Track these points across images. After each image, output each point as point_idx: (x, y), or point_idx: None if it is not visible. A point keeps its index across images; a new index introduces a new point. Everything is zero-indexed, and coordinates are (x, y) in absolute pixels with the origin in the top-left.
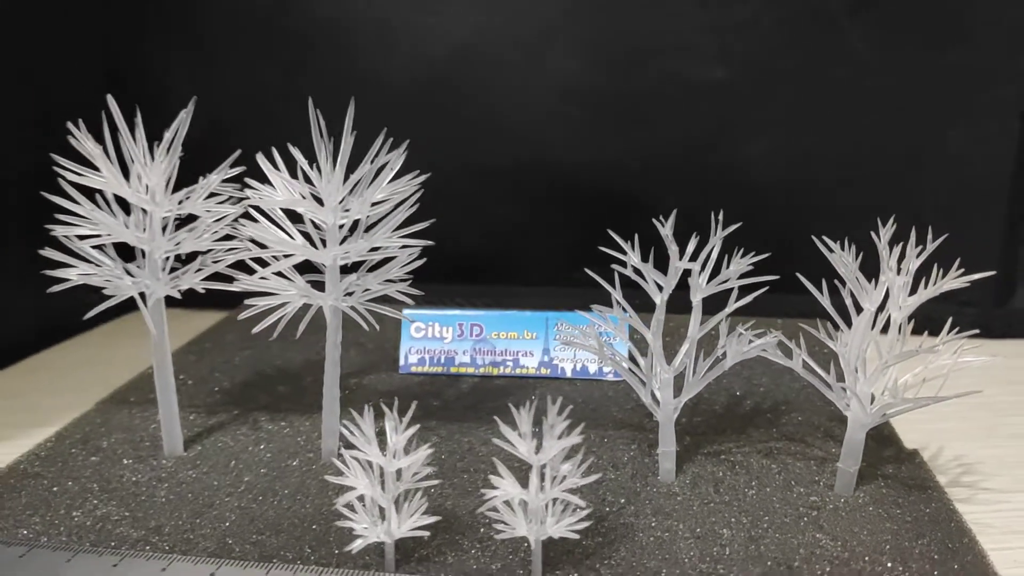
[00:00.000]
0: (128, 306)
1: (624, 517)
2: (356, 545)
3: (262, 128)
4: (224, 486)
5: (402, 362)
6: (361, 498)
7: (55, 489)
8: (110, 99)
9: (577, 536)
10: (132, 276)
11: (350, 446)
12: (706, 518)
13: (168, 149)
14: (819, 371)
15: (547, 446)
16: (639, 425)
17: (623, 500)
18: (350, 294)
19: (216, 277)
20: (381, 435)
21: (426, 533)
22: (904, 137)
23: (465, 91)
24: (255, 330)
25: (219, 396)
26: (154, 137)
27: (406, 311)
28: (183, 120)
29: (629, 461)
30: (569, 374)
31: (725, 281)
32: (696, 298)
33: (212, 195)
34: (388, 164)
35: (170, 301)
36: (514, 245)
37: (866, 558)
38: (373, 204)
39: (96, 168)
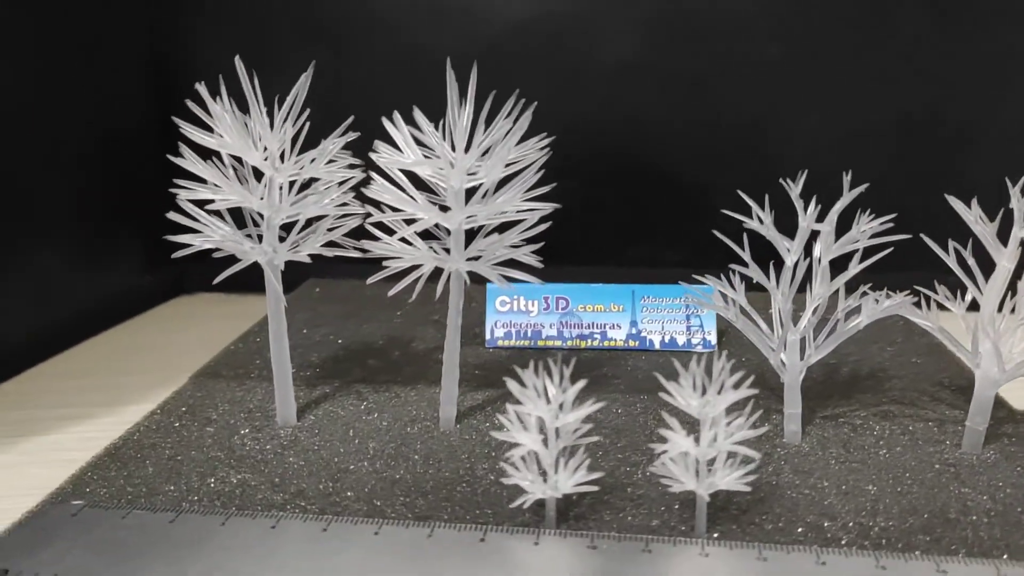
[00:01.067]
0: (171, 292)
1: (766, 476)
2: (524, 500)
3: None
4: (351, 452)
5: (488, 336)
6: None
7: (179, 458)
8: (238, 60)
9: (748, 488)
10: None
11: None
12: (847, 476)
13: (288, 114)
14: (951, 334)
15: (714, 400)
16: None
17: (759, 462)
18: (475, 259)
19: (332, 244)
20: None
21: (595, 488)
22: (956, 112)
23: (522, 66)
24: (391, 292)
25: (312, 371)
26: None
27: (489, 284)
28: (303, 84)
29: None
30: (658, 346)
31: (856, 241)
32: (825, 259)
33: (330, 161)
34: (515, 127)
35: (212, 287)
36: (568, 222)
37: (1019, 509)
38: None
39: (213, 131)
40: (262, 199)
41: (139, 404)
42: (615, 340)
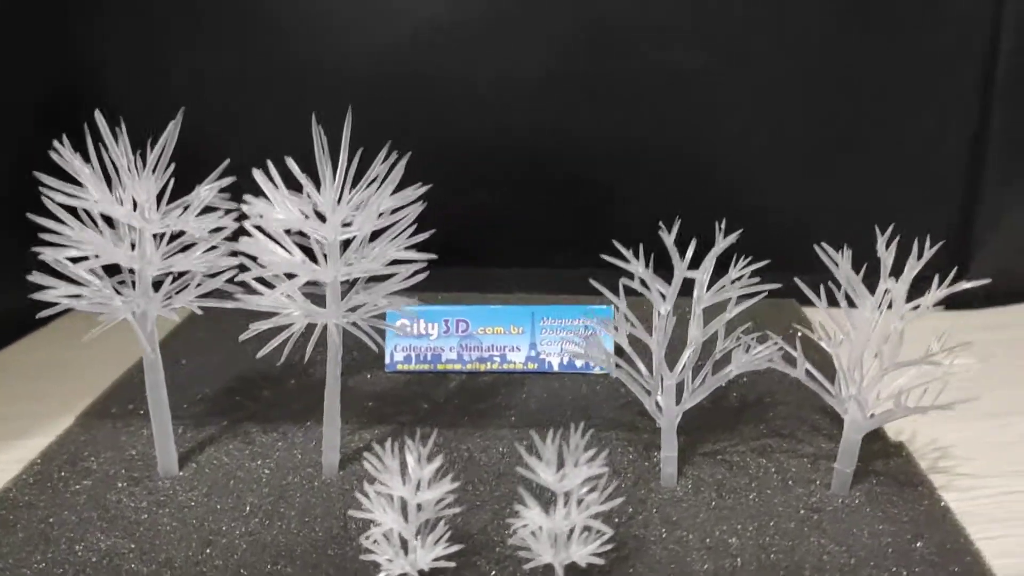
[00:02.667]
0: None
1: (635, 528)
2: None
3: (241, 129)
4: (227, 509)
5: (388, 360)
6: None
7: (51, 520)
8: (98, 114)
9: (602, 562)
10: (122, 295)
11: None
12: (714, 526)
13: (156, 163)
14: (819, 378)
15: (571, 474)
16: (632, 424)
17: (630, 509)
18: (353, 309)
19: (213, 293)
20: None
21: (452, 564)
22: (867, 121)
23: (439, 75)
24: (260, 354)
25: (204, 405)
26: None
27: (389, 310)
28: (171, 132)
29: (629, 465)
30: (556, 368)
31: (726, 287)
32: (698, 308)
33: (207, 209)
34: (389, 176)
35: None
36: (491, 229)
37: (871, 563)
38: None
39: (81, 184)
40: (135, 248)
41: (24, 445)
42: (514, 363)
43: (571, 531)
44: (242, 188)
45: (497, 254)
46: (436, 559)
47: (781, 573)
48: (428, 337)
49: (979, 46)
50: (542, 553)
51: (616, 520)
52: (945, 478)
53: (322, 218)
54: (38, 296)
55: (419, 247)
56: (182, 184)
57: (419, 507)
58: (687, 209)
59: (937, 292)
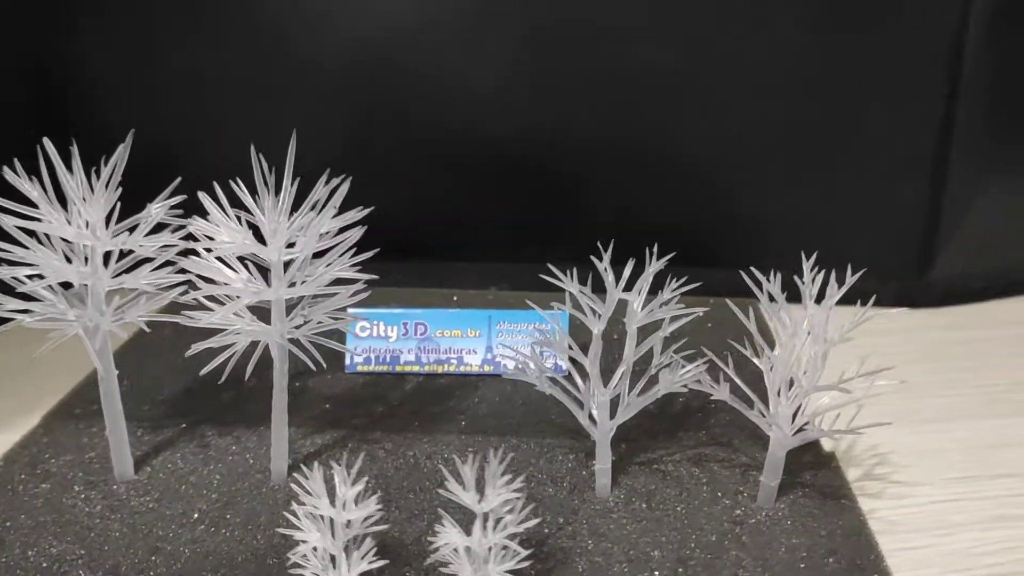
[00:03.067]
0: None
1: (562, 539)
2: None
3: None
4: (176, 515)
5: (348, 362)
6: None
7: (8, 524)
8: (46, 140)
9: None
10: (75, 310)
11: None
12: (638, 539)
13: (107, 183)
14: (750, 394)
15: (489, 495)
16: (576, 431)
17: (561, 519)
18: (298, 326)
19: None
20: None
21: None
22: (830, 119)
23: (407, 68)
24: (203, 372)
25: (163, 407)
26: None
27: (351, 310)
28: (121, 154)
29: (567, 474)
30: (511, 371)
31: (654, 311)
32: (632, 327)
33: (158, 225)
34: (331, 201)
35: None
36: (454, 223)
37: None
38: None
39: (35, 205)
40: (87, 263)
41: None
42: (471, 365)
43: (490, 549)
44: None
45: (463, 249)
46: (362, 574)
47: None
48: (387, 339)
49: (945, 43)
50: (461, 571)
51: (546, 531)
52: (879, 486)
53: (264, 241)
54: None
55: (365, 265)
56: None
57: (347, 523)
58: (653, 203)
59: (858, 317)
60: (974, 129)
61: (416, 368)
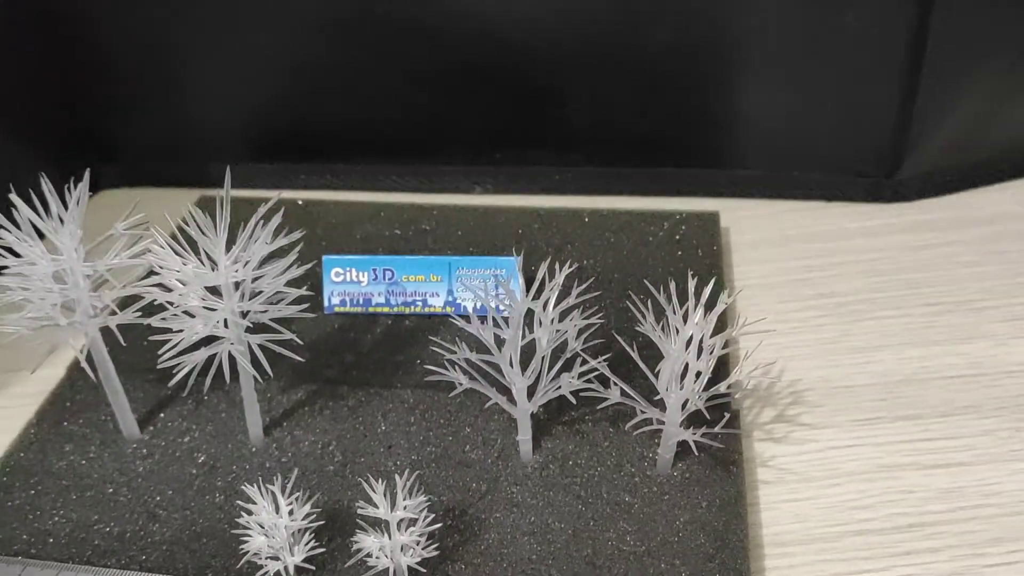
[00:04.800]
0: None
1: (480, 509)
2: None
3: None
4: (171, 480)
5: (326, 303)
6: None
7: (40, 488)
8: (13, 196)
9: (424, 571)
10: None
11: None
12: (543, 509)
13: (74, 218)
14: (635, 396)
15: (399, 504)
16: None
17: (484, 488)
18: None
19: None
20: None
21: (313, 568)
22: (805, 20)
23: None
24: (171, 383)
25: (154, 372)
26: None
27: (325, 256)
28: (83, 189)
29: (499, 434)
30: (471, 311)
31: (565, 324)
32: (542, 334)
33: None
34: (268, 225)
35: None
36: (436, 126)
37: (656, 553)
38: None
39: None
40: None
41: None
42: (435, 306)
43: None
44: None
45: (442, 152)
46: (304, 560)
47: (578, 561)
48: (359, 283)
49: None
50: (381, 562)
51: (469, 500)
52: (785, 429)
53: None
54: None
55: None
56: None
57: (288, 523)
58: (626, 104)
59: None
60: (949, 25)
61: (386, 309)
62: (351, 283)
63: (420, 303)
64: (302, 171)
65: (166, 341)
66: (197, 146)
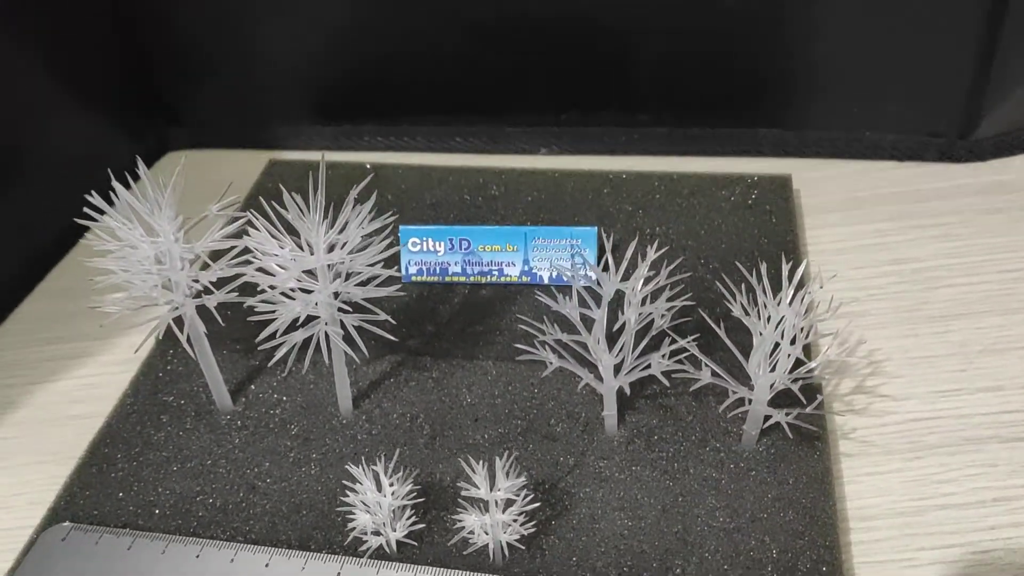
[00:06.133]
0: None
1: (569, 485)
2: (367, 546)
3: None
4: (267, 452)
5: (403, 272)
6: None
7: (142, 459)
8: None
9: (523, 547)
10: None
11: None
12: (632, 484)
13: (171, 204)
14: (726, 377)
15: (499, 485)
16: None
17: (572, 462)
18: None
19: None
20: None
21: (415, 543)
22: None
23: None
24: (270, 364)
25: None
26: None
27: (402, 227)
28: (179, 177)
29: (583, 407)
30: (547, 281)
31: (652, 313)
32: (631, 315)
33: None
34: (361, 212)
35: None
36: (500, 86)
37: (746, 530)
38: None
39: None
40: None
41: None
42: (510, 276)
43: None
44: None
45: (507, 112)
46: (406, 535)
47: (669, 539)
48: (436, 253)
49: None
50: (480, 539)
51: (557, 475)
52: (865, 401)
53: (311, 251)
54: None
55: None
56: None
57: (391, 502)
58: (695, 63)
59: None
60: None
61: (463, 279)
62: (428, 252)
63: (496, 273)
64: (366, 132)
65: (257, 315)
66: (262, 108)
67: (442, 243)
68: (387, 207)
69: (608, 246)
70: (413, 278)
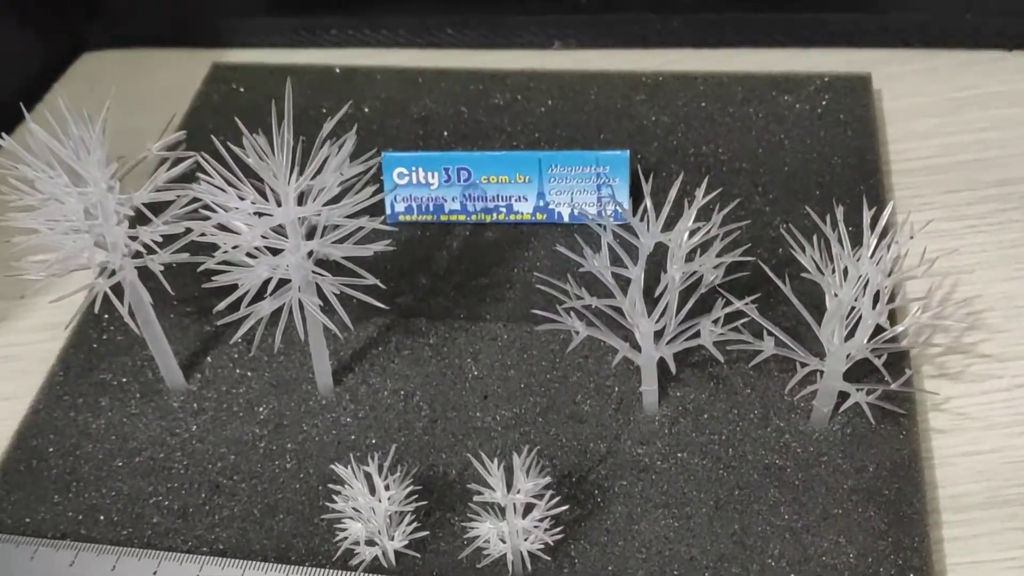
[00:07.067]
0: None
1: (601, 477)
2: (361, 560)
3: None
4: (231, 442)
5: (389, 211)
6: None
7: (78, 453)
8: (33, 126)
9: (548, 559)
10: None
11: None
12: (677, 475)
13: (101, 144)
14: (794, 347)
15: (518, 487)
16: None
17: (604, 448)
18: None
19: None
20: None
21: (417, 555)
22: None
23: None
24: (232, 340)
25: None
26: None
27: (385, 153)
28: (107, 115)
29: (615, 380)
30: (567, 219)
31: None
32: (676, 272)
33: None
34: (339, 152)
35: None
36: None
37: (815, 530)
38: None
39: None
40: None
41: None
42: (522, 213)
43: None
44: None
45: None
46: (404, 545)
47: (724, 542)
48: (429, 186)
49: None
50: (496, 548)
51: (587, 465)
52: (961, 363)
53: (277, 202)
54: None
55: None
56: None
57: (388, 507)
58: None
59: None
60: None
61: (462, 218)
62: (419, 186)
63: (504, 210)
64: (333, 24)
65: (214, 282)
66: None
67: (436, 174)
68: (364, 123)
69: (647, 190)
70: (401, 217)
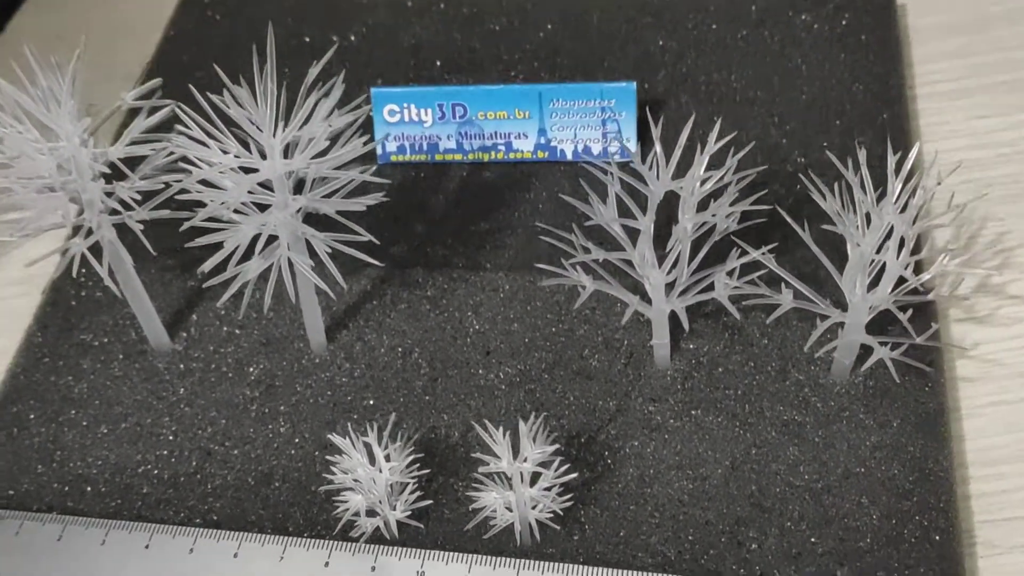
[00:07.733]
0: None
1: (611, 437)
2: (362, 532)
3: None
4: (221, 404)
5: (379, 151)
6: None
7: (61, 420)
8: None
9: (557, 527)
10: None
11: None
12: (691, 434)
13: (71, 95)
14: (815, 299)
15: (525, 455)
16: None
17: (613, 406)
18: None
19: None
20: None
21: (420, 525)
22: None
23: None
24: (219, 303)
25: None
26: None
27: (374, 89)
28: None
29: (624, 333)
30: (570, 156)
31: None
32: (688, 223)
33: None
34: (327, 99)
35: None
36: None
37: (838, 489)
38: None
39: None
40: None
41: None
42: (522, 151)
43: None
44: None
45: None
46: (407, 515)
47: (740, 504)
48: (422, 124)
49: None
50: (504, 518)
51: (596, 425)
52: (990, 304)
53: (262, 155)
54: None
55: None
56: None
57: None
58: None
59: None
60: None
61: (458, 156)
62: (411, 123)
63: (503, 148)
64: None
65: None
66: None
67: (429, 110)
68: (350, 53)
69: (656, 134)
70: (392, 158)
